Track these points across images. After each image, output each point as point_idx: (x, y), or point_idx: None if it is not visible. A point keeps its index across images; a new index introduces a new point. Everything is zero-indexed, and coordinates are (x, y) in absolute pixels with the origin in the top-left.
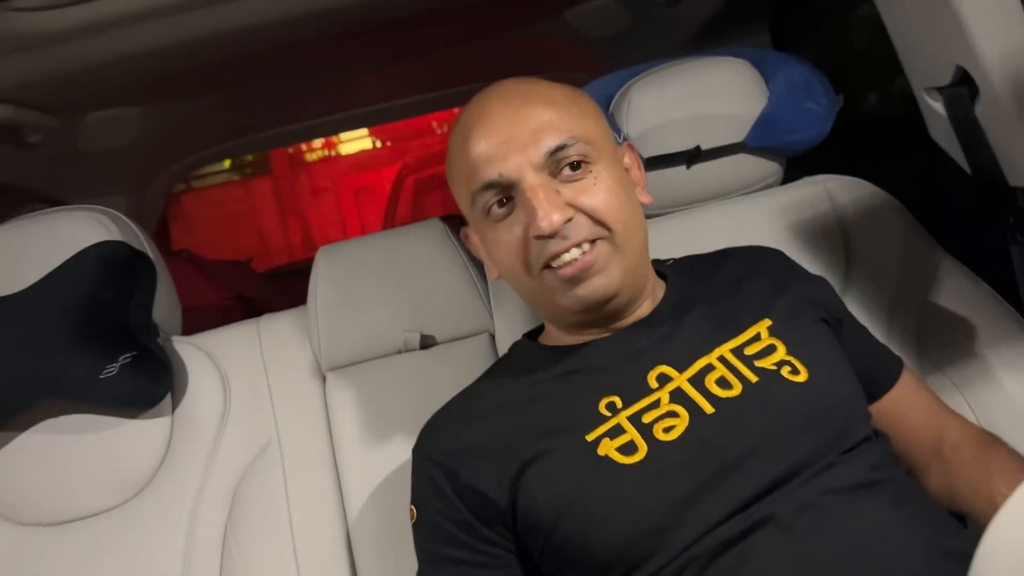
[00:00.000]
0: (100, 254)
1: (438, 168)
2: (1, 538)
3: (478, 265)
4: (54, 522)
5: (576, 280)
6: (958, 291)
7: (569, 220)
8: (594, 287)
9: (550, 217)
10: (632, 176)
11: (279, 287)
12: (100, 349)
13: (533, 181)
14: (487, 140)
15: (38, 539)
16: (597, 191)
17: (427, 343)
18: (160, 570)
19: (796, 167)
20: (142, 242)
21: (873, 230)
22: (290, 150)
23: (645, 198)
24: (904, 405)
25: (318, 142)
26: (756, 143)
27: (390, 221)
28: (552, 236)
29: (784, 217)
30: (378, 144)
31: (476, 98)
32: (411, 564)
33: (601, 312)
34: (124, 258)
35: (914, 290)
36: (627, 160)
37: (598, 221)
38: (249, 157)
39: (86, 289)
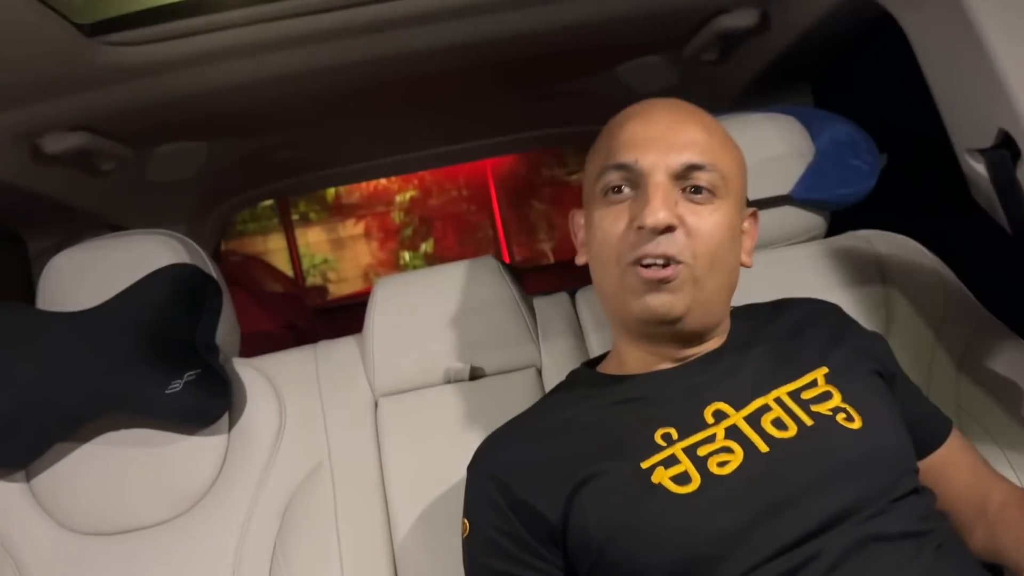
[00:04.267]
0: (172, 275)
1: None
2: (59, 546)
3: (527, 302)
4: (110, 532)
5: (650, 286)
6: (999, 351)
7: (671, 229)
8: (661, 301)
9: (658, 213)
10: (744, 241)
11: (325, 320)
12: (168, 365)
13: (661, 180)
14: (641, 131)
15: (94, 548)
16: (708, 219)
17: (476, 374)
18: None
19: (839, 222)
20: (209, 267)
21: (915, 288)
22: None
23: (747, 260)
24: (951, 465)
25: None
26: (802, 196)
27: None
28: (653, 232)
29: (827, 270)
30: None
31: (645, 101)
32: None
33: (662, 330)
34: (194, 280)
35: (954, 348)
36: (746, 224)
37: (691, 245)
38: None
39: (158, 307)
